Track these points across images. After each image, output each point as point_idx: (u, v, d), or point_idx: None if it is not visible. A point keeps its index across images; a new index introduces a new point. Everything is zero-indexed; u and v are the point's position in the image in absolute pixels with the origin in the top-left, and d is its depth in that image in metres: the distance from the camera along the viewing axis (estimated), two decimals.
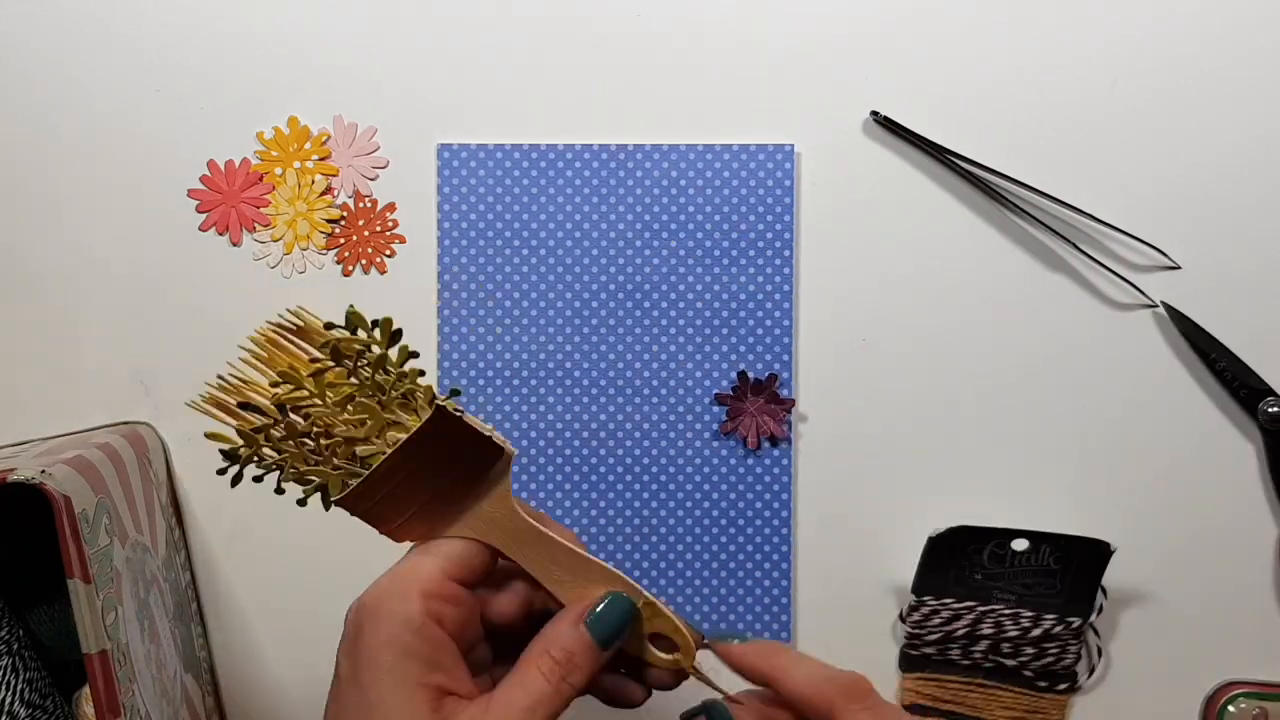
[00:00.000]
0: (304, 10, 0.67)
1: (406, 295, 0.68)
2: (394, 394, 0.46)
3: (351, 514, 0.46)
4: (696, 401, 0.68)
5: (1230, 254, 0.67)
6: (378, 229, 0.68)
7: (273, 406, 0.47)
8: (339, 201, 0.68)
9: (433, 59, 0.67)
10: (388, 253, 0.68)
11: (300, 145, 0.67)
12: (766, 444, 0.68)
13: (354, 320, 0.46)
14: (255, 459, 0.47)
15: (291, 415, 0.47)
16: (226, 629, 0.69)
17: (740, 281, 0.67)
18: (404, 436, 0.45)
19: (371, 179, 0.67)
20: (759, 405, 0.67)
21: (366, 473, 0.45)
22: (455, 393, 0.46)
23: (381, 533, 0.46)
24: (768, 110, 0.67)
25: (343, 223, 0.68)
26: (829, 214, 0.67)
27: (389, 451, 0.45)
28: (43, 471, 0.51)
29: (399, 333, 0.46)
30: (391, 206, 0.68)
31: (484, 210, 0.67)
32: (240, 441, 0.47)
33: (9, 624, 0.58)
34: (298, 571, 0.68)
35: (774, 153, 0.67)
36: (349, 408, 0.46)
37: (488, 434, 0.45)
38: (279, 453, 0.47)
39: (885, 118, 0.66)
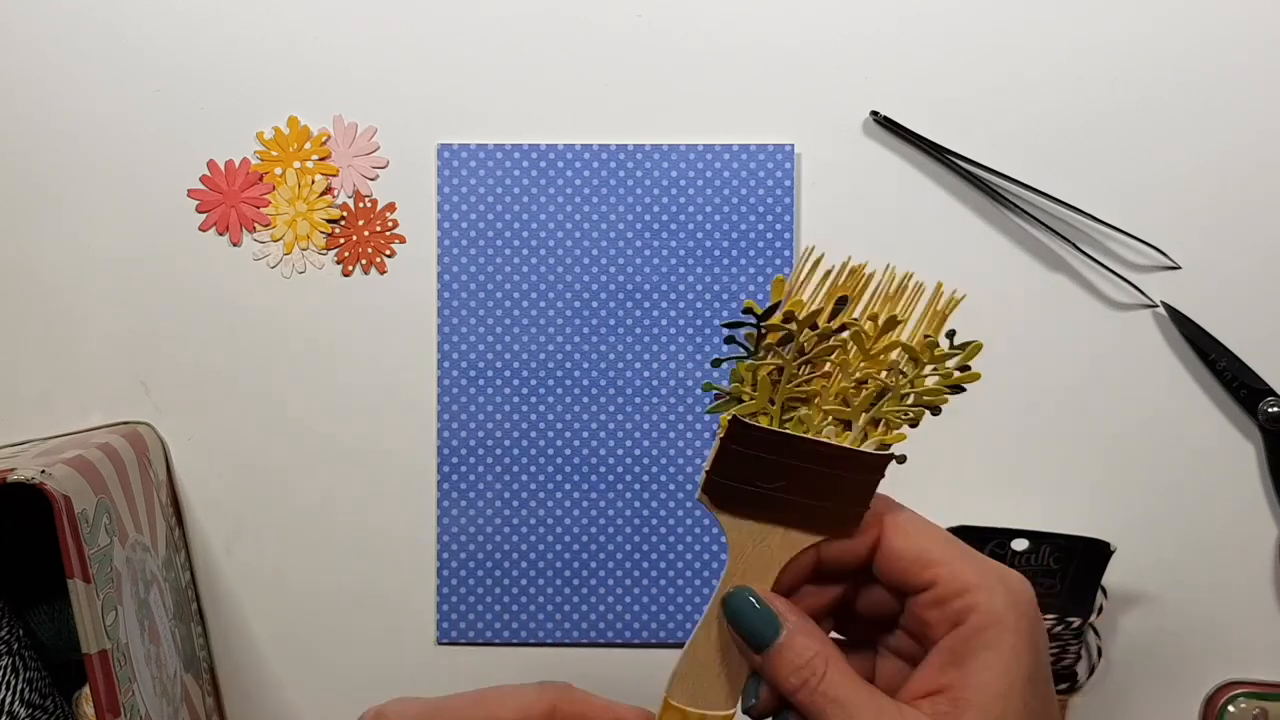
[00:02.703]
0: (304, 10, 0.67)
1: (406, 295, 0.68)
2: (904, 409, 0.48)
3: (720, 460, 0.46)
4: (696, 402, 0.68)
5: (1230, 254, 0.67)
6: (378, 229, 0.68)
7: (824, 323, 0.46)
8: (339, 201, 0.68)
9: (433, 59, 0.67)
10: (388, 253, 0.68)
11: (300, 145, 0.67)
12: None
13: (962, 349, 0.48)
14: (759, 336, 0.46)
15: (817, 345, 0.46)
16: (226, 629, 0.69)
17: (740, 281, 0.67)
18: (838, 443, 0.46)
19: (371, 179, 0.67)
20: None
21: (788, 431, 0.45)
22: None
23: (714, 507, 0.46)
24: (768, 110, 0.67)
25: (343, 223, 0.68)
26: (829, 214, 0.67)
27: (815, 437, 0.46)
28: (43, 471, 0.51)
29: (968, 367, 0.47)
30: (391, 206, 0.68)
31: (484, 210, 0.67)
32: (770, 321, 0.46)
33: (9, 624, 0.58)
34: (297, 571, 0.68)
35: (774, 153, 0.67)
36: (856, 383, 0.47)
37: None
38: (766, 353, 0.46)
39: (885, 118, 0.66)
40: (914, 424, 0.49)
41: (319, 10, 0.67)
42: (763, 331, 0.47)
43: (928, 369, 0.49)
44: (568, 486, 0.68)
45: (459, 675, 0.68)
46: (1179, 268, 0.67)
